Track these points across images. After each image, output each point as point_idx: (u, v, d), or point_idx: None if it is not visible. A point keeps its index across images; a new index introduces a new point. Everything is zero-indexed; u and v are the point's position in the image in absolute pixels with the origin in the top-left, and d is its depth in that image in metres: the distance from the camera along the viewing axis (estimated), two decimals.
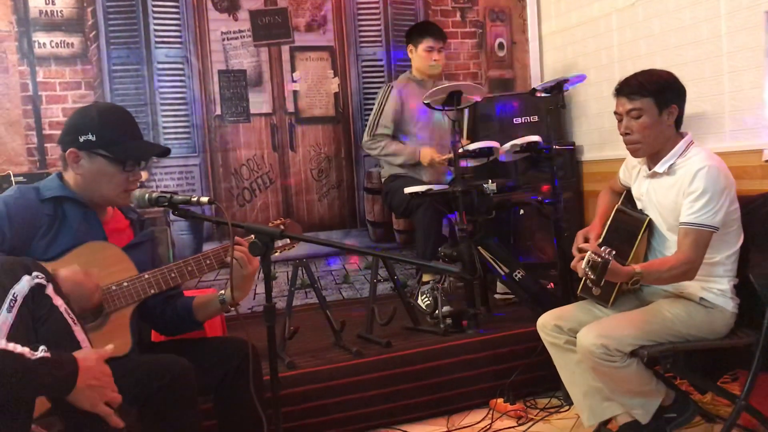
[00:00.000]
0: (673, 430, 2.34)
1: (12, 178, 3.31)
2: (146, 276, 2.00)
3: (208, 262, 2.10)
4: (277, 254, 2.19)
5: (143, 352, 2.09)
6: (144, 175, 3.89)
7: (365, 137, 3.94)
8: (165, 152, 2.18)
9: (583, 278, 2.29)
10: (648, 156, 2.38)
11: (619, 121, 2.36)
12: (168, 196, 1.95)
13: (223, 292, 2.14)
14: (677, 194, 2.26)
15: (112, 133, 2.02)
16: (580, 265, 2.17)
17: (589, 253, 2.10)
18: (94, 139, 2.00)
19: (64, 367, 1.42)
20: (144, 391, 1.84)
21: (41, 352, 1.39)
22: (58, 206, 2.00)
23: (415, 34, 3.95)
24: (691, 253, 2.19)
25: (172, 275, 2.03)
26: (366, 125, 3.99)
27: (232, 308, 2.13)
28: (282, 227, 1.88)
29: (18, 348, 1.37)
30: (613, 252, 2.07)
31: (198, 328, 2.22)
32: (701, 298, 2.28)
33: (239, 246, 2.05)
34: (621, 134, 2.36)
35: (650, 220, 2.39)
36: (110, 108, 2.15)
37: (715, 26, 3.30)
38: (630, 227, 2.40)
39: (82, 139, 2.01)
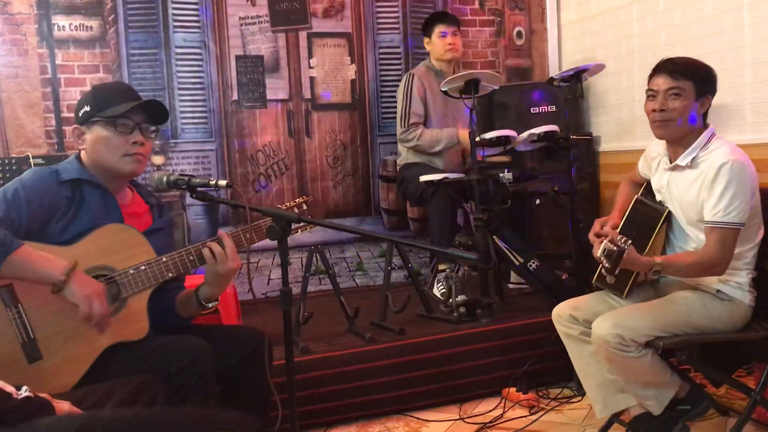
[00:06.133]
0: (687, 422, 2.33)
1: (31, 160, 3.33)
2: (164, 259, 1.97)
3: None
4: (298, 234, 2.13)
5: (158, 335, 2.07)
6: (161, 159, 3.91)
7: (399, 129, 3.87)
8: (153, 105, 2.05)
9: (599, 267, 2.28)
10: (669, 144, 2.35)
11: (652, 98, 2.29)
12: (186, 178, 1.94)
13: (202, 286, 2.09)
14: (699, 189, 2.23)
15: (103, 99, 2.02)
16: (597, 252, 2.17)
17: (605, 241, 2.08)
18: (88, 109, 2.01)
19: (45, 407, 1.50)
20: (163, 372, 1.85)
21: (24, 392, 1.48)
22: (76, 188, 1.98)
23: (427, 24, 3.96)
24: (719, 251, 2.15)
25: (191, 258, 2.00)
26: (381, 114, 3.97)
27: (209, 304, 2.09)
28: (305, 206, 1.84)
29: (8, 387, 1.47)
30: (629, 241, 2.05)
31: (182, 323, 2.15)
32: (718, 291, 2.26)
33: (221, 244, 2.00)
34: (651, 111, 2.28)
35: (669, 212, 2.36)
36: (107, 82, 2.10)
37: (737, 17, 3.26)
38: (648, 219, 2.38)
39: (80, 113, 2.03)
